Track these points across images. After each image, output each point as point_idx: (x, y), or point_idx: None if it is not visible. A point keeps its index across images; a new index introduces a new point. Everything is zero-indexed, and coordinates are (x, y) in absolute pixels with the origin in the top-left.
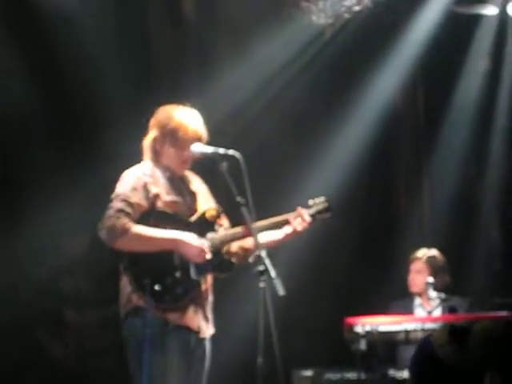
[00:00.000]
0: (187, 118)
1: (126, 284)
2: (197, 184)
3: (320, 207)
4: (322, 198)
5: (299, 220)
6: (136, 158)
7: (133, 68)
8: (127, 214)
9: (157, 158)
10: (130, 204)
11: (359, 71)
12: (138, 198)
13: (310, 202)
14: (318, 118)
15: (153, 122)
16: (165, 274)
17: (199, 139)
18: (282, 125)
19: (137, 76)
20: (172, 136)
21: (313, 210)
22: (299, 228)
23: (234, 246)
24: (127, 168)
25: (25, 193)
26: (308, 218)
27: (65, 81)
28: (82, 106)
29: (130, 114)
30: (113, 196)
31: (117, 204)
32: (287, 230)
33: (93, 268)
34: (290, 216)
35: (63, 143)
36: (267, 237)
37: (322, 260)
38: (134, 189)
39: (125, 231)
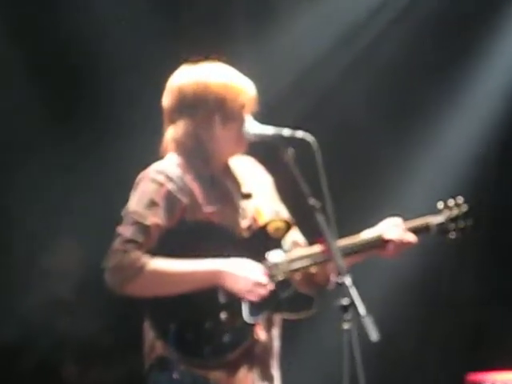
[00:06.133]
0: (227, 76)
1: (147, 329)
2: (255, 179)
3: (456, 212)
4: (459, 199)
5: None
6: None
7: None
8: (139, 246)
9: (200, 149)
10: (144, 228)
11: (481, 28)
12: (157, 217)
13: (440, 204)
14: (424, 90)
15: (177, 101)
16: (203, 317)
17: (252, 104)
18: (372, 98)
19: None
20: (220, 110)
21: (444, 217)
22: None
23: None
24: (143, 165)
25: None
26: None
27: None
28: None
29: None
30: (123, 213)
31: (125, 230)
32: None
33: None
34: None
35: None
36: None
37: (434, 288)
38: (152, 202)
39: (137, 271)
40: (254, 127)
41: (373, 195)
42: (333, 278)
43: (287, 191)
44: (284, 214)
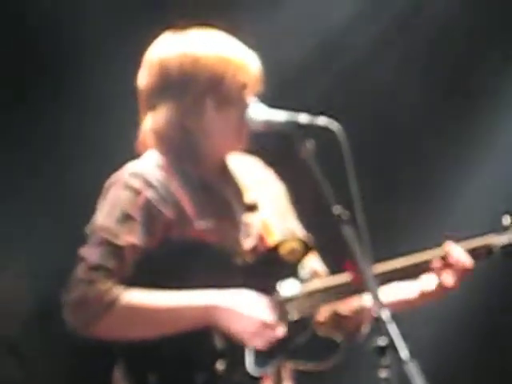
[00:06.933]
0: (223, 47)
1: (119, 378)
2: (262, 185)
3: None
4: None
5: (455, 260)
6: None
7: None
8: (110, 273)
9: (187, 143)
10: (116, 250)
11: None
12: (133, 235)
13: (505, 220)
14: (492, 65)
15: (158, 80)
16: (193, 367)
17: (255, 83)
18: (418, 74)
19: None
20: (214, 91)
21: (510, 237)
22: (453, 279)
23: (341, 307)
24: (113, 167)
25: None
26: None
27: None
28: None
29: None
30: (88, 230)
31: (91, 253)
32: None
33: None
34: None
35: None
36: (390, 292)
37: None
38: (127, 216)
39: (107, 306)
40: (260, 112)
41: (417, 203)
42: (364, 330)
43: (304, 198)
44: (300, 232)
